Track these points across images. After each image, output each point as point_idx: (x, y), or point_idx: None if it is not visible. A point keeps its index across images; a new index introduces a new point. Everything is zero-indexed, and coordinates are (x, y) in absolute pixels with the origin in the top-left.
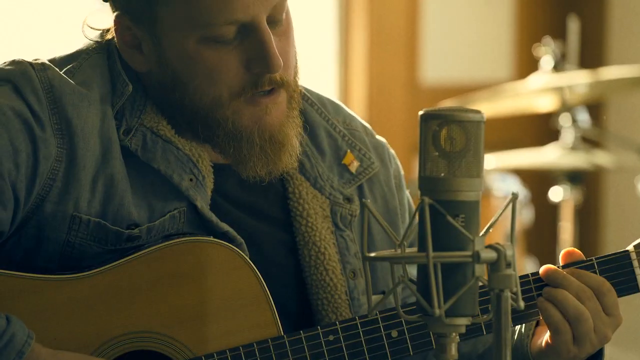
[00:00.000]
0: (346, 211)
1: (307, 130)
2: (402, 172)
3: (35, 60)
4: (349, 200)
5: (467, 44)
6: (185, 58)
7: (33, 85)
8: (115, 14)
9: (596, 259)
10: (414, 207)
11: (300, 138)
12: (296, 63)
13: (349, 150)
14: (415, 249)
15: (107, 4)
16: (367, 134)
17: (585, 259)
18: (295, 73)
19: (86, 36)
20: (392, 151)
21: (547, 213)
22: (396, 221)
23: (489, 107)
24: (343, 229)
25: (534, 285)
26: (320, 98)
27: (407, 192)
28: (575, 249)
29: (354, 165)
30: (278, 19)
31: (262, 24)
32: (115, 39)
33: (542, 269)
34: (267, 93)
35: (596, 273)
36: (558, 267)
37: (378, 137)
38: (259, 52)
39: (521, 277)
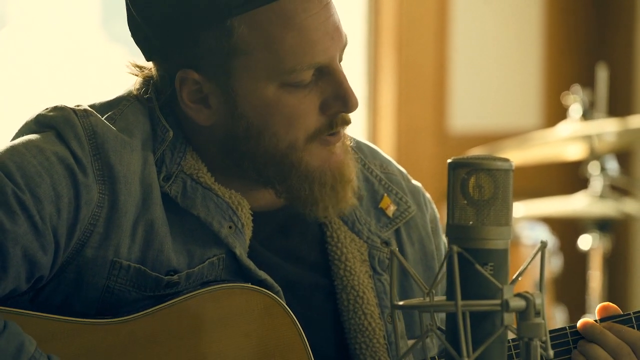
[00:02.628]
0: (384, 255)
1: None
2: (438, 217)
3: (77, 106)
4: (386, 244)
5: (496, 92)
6: (264, 107)
7: (76, 132)
8: (180, 70)
9: (634, 313)
10: None
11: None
12: None
13: (385, 194)
14: (444, 297)
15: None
16: (404, 178)
17: (621, 312)
18: None
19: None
20: (428, 195)
21: (576, 261)
22: (433, 265)
23: (518, 155)
24: (381, 273)
25: (571, 339)
26: (356, 142)
27: (443, 237)
28: (611, 304)
29: (391, 209)
30: (341, 59)
31: (338, 65)
32: (177, 94)
33: (580, 323)
34: (336, 133)
35: (634, 327)
36: (595, 321)
37: (414, 181)
38: (336, 93)
39: (558, 329)
